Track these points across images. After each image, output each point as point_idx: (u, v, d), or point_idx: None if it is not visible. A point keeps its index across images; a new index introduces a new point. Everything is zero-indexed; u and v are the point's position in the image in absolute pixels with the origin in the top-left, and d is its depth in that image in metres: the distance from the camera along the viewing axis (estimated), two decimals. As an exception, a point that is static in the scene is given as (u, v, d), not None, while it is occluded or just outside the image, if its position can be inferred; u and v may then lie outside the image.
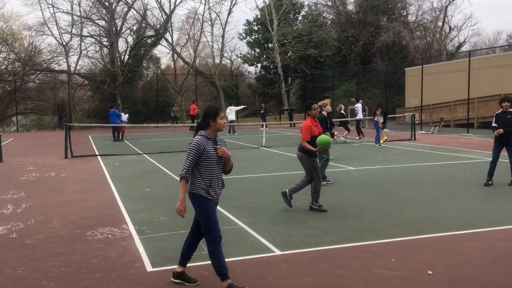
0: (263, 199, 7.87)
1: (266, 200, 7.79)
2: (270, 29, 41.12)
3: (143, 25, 42.15)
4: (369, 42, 38.18)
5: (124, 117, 23.11)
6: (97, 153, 15.83)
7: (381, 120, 15.86)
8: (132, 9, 40.97)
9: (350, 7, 43.37)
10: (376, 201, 7.62)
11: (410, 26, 40.16)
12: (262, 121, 30.62)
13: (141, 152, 15.99)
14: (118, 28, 40.88)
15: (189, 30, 44.09)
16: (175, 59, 42.26)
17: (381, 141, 16.44)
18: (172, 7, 41.69)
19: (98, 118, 38.91)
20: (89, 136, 24.80)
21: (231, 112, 23.92)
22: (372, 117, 16.21)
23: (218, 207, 7.46)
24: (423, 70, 29.74)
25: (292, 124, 30.82)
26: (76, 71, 39.81)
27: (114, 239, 5.78)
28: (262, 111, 32.06)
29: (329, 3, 44.88)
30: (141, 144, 19.46)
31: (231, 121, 23.95)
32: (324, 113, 9.29)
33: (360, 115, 19.57)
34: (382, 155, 13.94)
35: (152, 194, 8.61)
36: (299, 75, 43.60)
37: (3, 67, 38.35)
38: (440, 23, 42.32)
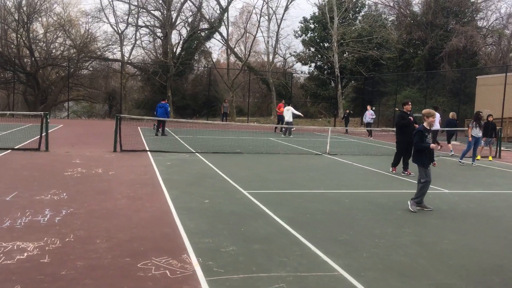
0: (355, 230, 6.20)
1: (359, 231, 6.12)
2: (329, 27, 39.15)
3: (198, 17, 41.23)
4: (437, 46, 35.51)
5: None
6: (147, 149, 14.65)
7: (479, 134, 13.79)
8: (188, 1, 40.11)
9: (416, 8, 40.77)
10: (509, 243, 5.79)
11: (483, 32, 37.10)
12: (281, 122, 28.71)
13: (194, 151, 14.66)
14: (173, 20, 40.16)
15: (245, 24, 42.83)
16: (229, 54, 41.04)
17: (477, 158, 14.56)
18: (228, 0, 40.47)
19: (147, 109, 38.32)
20: (138, 128, 23.90)
21: (288, 113, 22.30)
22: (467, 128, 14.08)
23: (301, 239, 5.54)
24: (497, 79, 27.04)
25: (346, 131, 28.43)
26: (129, 61, 39.40)
27: (173, 278, 4.30)
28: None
29: (391, 4, 42.43)
30: (192, 141, 18.20)
31: (288, 123, 22.34)
32: (425, 124, 7.52)
33: (437, 126, 17.37)
34: (474, 175, 11.91)
35: (213, 208, 7.14)
36: (356, 77, 41.33)
37: (58, 53, 38.48)
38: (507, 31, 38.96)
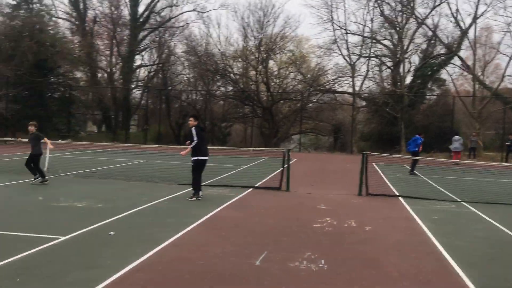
0: None
1: None
2: None
3: (432, 42, 37.39)
4: None
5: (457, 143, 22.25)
6: (396, 193, 12.21)
7: None
8: (422, 26, 36.71)
9: None
10: None
11: None
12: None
13: (459, 199, 11.51)
14: (405, 47, 37.35)
15: (498, 46, 36.90)
16: (474, 81, 35.91)
17: None
18: (470, 21, 35.44)
19: (374, 141, 36.21)
20: (373, 163, 21.66)
21: None
22: None
23: None
24: None
25: None
26: (359, 93, 38.18)
27: None
28: (507, 143, 24.63)
29: None
30: (445, 183, 14.90)
31: None
32: None
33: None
34: None
35: None
36: None
37: (290, 87, 39.85)
38: None
